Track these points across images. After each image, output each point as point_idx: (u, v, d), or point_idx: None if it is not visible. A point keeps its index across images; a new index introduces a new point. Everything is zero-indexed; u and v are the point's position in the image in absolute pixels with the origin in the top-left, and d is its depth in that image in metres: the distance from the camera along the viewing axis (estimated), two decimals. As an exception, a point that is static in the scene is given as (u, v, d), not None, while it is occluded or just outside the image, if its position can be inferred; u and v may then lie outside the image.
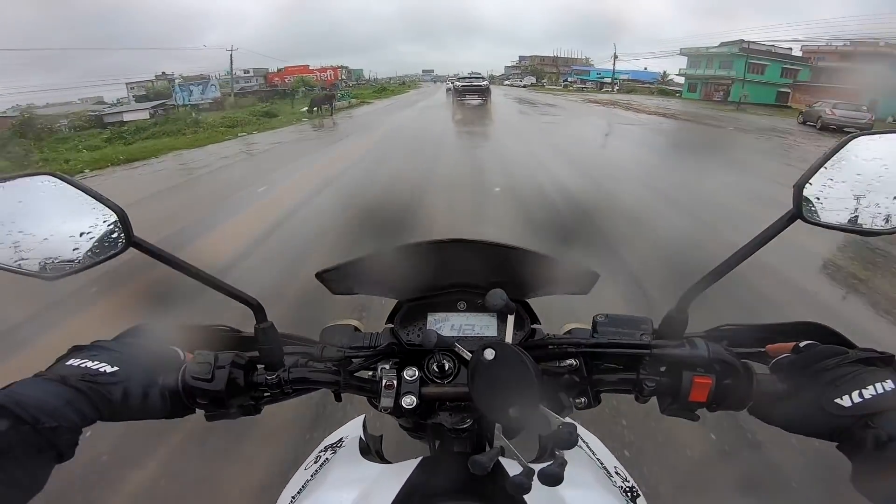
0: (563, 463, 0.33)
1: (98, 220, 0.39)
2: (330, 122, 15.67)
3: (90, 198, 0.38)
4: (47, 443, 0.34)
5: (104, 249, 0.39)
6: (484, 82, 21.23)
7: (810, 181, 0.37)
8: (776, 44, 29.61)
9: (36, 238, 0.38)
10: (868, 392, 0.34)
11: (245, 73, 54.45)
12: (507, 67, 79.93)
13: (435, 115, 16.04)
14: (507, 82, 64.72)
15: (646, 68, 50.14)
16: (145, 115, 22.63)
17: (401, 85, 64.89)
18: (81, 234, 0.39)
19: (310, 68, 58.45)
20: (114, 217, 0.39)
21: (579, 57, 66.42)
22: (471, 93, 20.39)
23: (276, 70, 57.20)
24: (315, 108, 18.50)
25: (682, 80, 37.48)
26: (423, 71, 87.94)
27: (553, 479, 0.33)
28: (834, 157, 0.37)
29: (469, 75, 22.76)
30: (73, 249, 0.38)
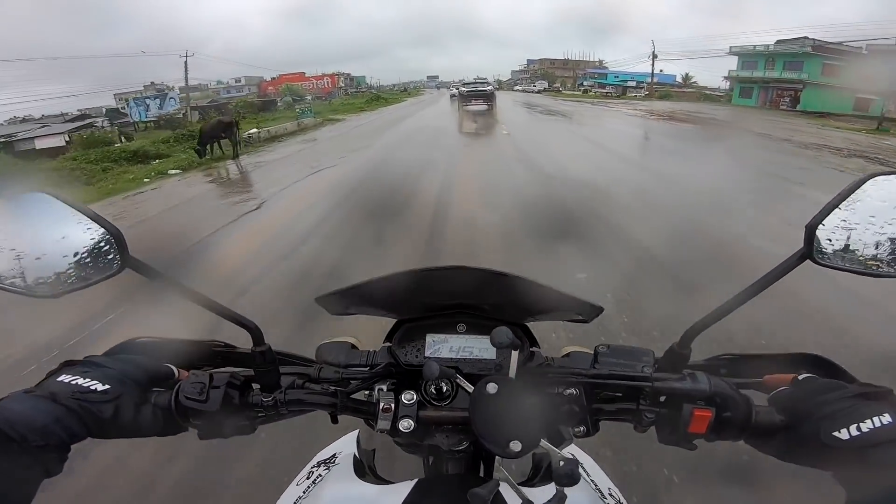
0: (563, 497, 0.36)
1: (93, 240, 0.40)
2: (221, 176, 9.04)
3: (85, 217, 0.40)
4: (35, 460, 0.36)
5: (99, 270, 0.40)
6: (489, 87, 22.25)
7: (823, 222, 0.39)
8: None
9: (29, 257, 0.39)
10: (866, 425, 0.36)
11: (236, 81, 52.21)
12: (513, 72, 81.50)
13: (427, 151, 9.25)
14: (517, 87, 62.57)
15: (661, 70, 46.62)
16: (61, 140, 17.99)
17: (401, 92, 61.73)
18: (76, 254, 0.40)
19: (306, 75, 56.00)
20: (109, 237, 0.40)
21: (591, 59, 65.35)
22: (476, 98, 21.41)
23: (270, 79, 54.98)
24: (208, 146, 10.87)
25: (706, 82, 35.07)
26: (428, 77, 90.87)
27: None
28: (849, 198, 0.38)
29: (475, 81, 24.28)
30: (67, 269, 0.39)
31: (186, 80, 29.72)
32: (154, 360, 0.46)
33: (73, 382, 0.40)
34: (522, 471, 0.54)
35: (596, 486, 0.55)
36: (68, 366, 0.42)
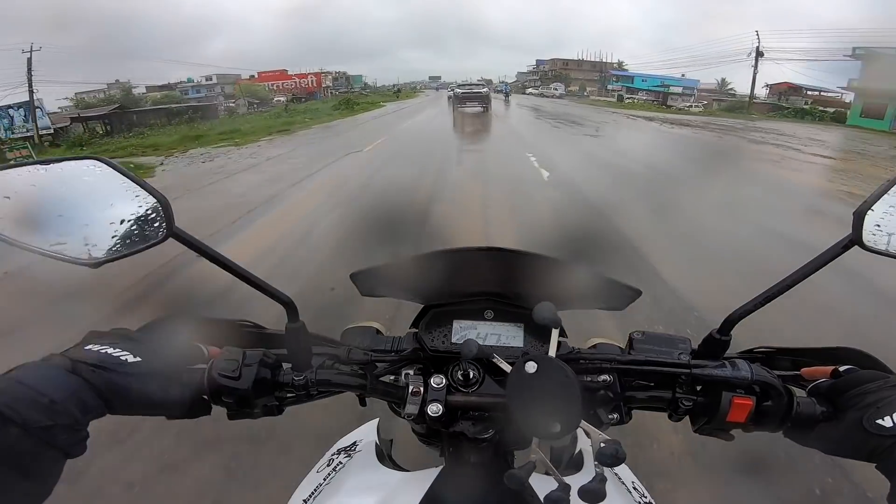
0: (604, 479, 0.39)
1: (140, 208, 0.45)
2: None
3: (134, 184, 0.45)
4: (48, 443, 0.36)
5: (144, 238, 0.45)
6: (484, 89, 24.28)
7: (872, 207, 0.44)
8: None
9: (77, 223, 0.44)
10: None
11: (207, 80, 52.56)
12: (520, 73, 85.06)
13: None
14: (530, 90, 60.67)
15: (683, 75, 45.09)
16: None
17: (394, 93, 62.15)
18: (122, 221, 0.45)
19: (289, 73, 56.40)
20: (156, 205, 0.45)
21: (608, 60, 64.81)
22: (471, 100, 22.94)
23: (248, 77, 55.33)
24: None
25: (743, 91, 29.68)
26: (430, 77, 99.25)
27: (595, 495, 0.38)
28: None
29: (472, 83, 26.70)
30: (113, 236, 0.44)
31: (30, 82, 23.25)
32: (185, 338, 0.51)
33: (102, 351, 0.42)
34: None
35: (620, 479, 0.60)
36: (96, 335, 0.45)
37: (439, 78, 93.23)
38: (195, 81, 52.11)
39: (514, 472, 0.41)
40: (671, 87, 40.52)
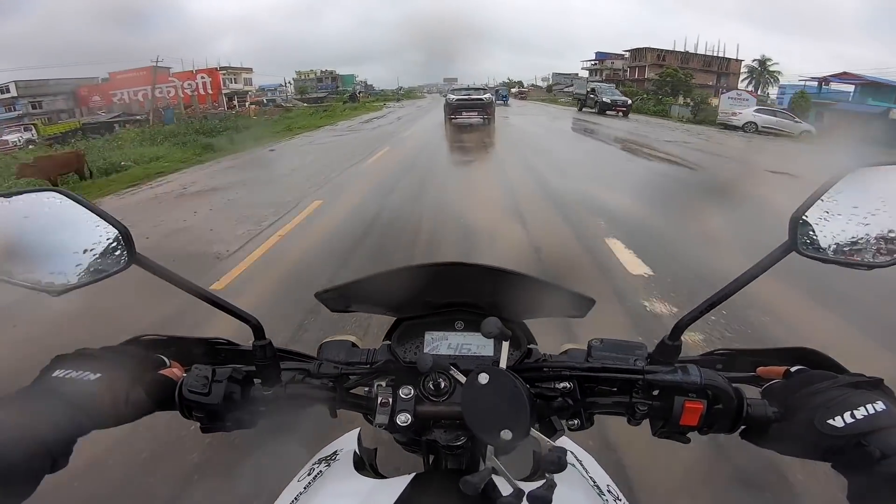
0: (553, 485, 0.66)
1: (101, 237, 0.78)
2: None
3: (94, 215, 0.77)
4: (40, 452, 0.66)
5: (107, 266, 0.79)
6: (486, 95, 28.33)
7: (806, 213, 0.71)
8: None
9: (40, 253, 0.76)
10: (859, 413, 0.67)
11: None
12: (556, 75, 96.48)
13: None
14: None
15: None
16: None
17: (368, 101, 64.71)
18: (85, 251, 0.78)
19: (169, 75, 57.30)
20: (117, 234, 0.78)
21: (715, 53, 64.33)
22: (468, 109, 27.09)
23: (101, 80, 56.43)
24: None
25: None
26: (445, 80, 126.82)
27: (542, 501, 0.64)
28: (832, 189, 0.70)
29: (475, 87, 31.44)
30: (76, 265, 0.78)
31: None
32: (143, 350, 0.87)
33: (66, 376, 0.75)
34: (524, 468, 0.95)
35: (594, 482, 0.98)
36: (60, 360, 0.79)
37: (455, 80, 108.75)
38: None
39: (469, 478, 0.68)
40: None
